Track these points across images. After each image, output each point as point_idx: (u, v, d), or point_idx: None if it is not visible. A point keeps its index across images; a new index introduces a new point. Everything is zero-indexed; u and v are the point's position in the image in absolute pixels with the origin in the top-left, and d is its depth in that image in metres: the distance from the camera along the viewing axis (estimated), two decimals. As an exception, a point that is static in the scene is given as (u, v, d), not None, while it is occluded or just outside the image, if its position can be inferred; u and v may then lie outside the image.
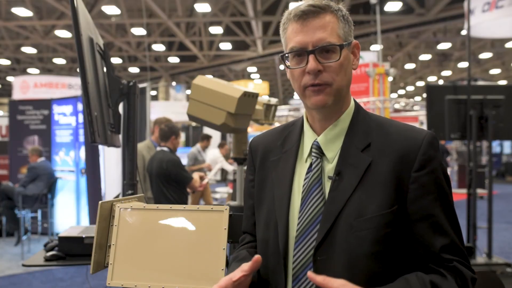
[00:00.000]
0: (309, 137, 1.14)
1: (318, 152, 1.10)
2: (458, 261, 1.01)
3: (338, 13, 1.07)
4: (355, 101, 1.15)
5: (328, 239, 1.02)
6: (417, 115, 14.12)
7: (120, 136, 2.43)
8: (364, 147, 1.06)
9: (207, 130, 13.91)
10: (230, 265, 1.19)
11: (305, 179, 1.10)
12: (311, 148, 1.12)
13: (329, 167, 1.08)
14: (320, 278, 0.92)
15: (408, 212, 1.02)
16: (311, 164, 1.11)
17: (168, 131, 3.98)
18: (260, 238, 1.16)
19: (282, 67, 23.82)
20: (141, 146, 4.22)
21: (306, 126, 1.16)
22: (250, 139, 1.42)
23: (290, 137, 1.19)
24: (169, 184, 3.82)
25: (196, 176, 4.00)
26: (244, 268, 1.01)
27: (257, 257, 1.01)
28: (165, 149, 3.96)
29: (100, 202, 1.32)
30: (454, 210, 1.05)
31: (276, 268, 1.09)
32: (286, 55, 1.09)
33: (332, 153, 1.09)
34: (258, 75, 27.37)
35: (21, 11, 14.44)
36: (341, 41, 1.06)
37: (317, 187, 1.07)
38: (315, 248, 1.03)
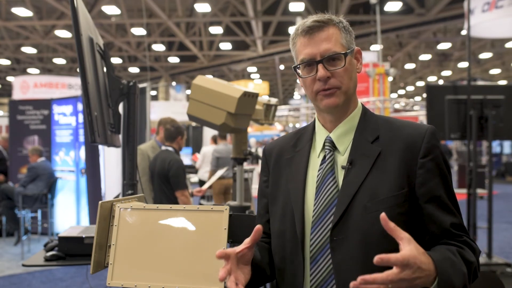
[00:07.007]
0: (321, 135, 1.27)
1: (331, 145, 1.23)
2: (467, 236, 1.15)
3: (340, 25, 1.21)
4: (361, 104, 1.29)
5: (344, 220, 1.13)
6: (417, 115, 14.10)
7: (120, 136, 2.43)
8: (373, 139, 1.20)
9: (207, 130, 13.93)
10: None
11: (319, 170, 1.22)
12: (324, 143, 1.24)
13: (341, 159, 1.21)
14: (391, 224, 0.95)
15: (418, 195, 1.14)
16: (324, 157, 1.23)
17: (174, 131, 3.97)
18: (276, 231, 1.26)
19: (282, 67, 23.88)
20: (146, 146, 4.21)
21: (318, 126, 1.29)
22: (250, 139, 1.45)
23: (302, 138, 1.32)
24: (170, 183, 3.81)
25: (186, 193, 3.82)
26: (246, 241, 1.10)
27: (257, 227, 1.09)
28: (170, 149, 3.95)
29: (100, 202, 1.32)
30: (454, 193, 1.19)
31: (293, 254, 1.19)
32: (298, 66, 1.22)
33: (344, 146, 1.22)
34: (258, 75, 27.37)
35: (21, 11, 14.45)
36: (344, 49, 1.19)
37: (330, 176, 1.19)
38: (331, 228, 1.13)
